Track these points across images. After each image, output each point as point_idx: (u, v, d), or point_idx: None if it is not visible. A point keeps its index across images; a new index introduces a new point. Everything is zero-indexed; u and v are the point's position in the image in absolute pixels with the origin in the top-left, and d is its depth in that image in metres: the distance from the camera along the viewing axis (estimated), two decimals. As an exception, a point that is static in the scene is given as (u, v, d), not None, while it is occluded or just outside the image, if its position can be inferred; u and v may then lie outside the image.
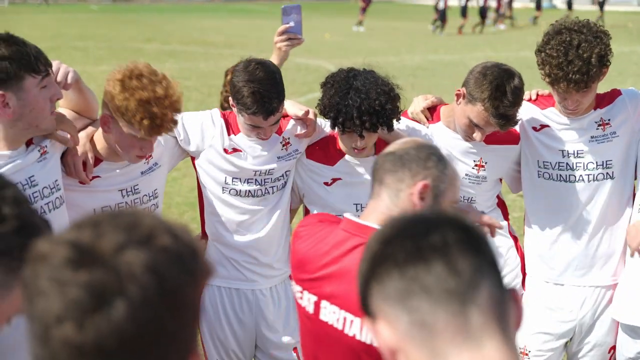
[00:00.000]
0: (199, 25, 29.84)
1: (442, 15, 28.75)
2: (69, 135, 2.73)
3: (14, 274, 1.24)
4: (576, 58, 2.90)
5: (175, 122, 2.71)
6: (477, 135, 3.13)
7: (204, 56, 19.12)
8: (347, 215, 2.12)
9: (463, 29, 28.85)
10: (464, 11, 29.42)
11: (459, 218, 1.13)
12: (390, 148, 2.09)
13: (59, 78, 2.65)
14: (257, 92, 2.94)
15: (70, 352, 0.92)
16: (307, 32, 3.49)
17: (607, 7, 35.96)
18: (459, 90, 3.14)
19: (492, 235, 2.44)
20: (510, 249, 3.47)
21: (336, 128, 3.09)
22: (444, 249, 1.08)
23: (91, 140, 2.86)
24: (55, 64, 2.64)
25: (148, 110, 2.61)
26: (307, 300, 2.12)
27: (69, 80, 2.68)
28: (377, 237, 1.15)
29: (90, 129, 2.89)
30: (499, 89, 2.99)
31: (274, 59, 3.32)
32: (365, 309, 1.14)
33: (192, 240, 1.03)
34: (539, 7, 34.69)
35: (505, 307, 1.09)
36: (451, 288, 1.06)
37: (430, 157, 2.01)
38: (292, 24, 3.32)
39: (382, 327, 1.10)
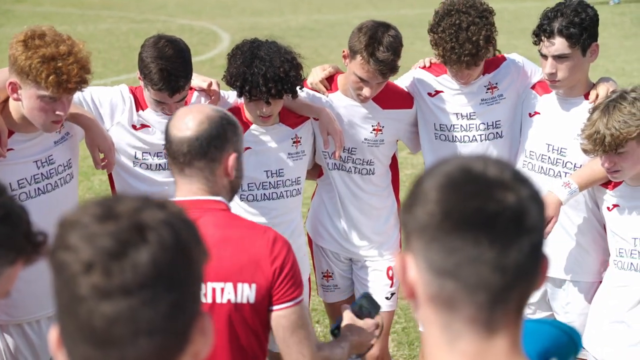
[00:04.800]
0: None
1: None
2: None
3: (1, 262, 1.28)
4: (466, 41, 3.16)
5: (85, 81, 2.69)
6: (365, 90, 3.30)
7: (81, 18, 18.30)
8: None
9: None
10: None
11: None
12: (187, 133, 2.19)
13: None
14: (164, 69, 3.00)
15: (97, 293, 1.02)
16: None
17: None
18: (344, 51, 3.32)
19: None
20: (390, 213, 3.61)
21: (242, 97, 3.19)
22: (505, 230, 1.07)
23: (1, 112, 2.80)
24: None
25: (53, 66, 2.59)
26: None
27: None
28: (439, 179, 1.11)
29: None
30: (374, 37, 3.20)
31: None
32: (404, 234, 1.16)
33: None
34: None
35: (527, 293, 1.11)
36: (491, 284, 1.07)
37: (227, 130, 2.20)
38: None
39: (411, 263, 1.13)
